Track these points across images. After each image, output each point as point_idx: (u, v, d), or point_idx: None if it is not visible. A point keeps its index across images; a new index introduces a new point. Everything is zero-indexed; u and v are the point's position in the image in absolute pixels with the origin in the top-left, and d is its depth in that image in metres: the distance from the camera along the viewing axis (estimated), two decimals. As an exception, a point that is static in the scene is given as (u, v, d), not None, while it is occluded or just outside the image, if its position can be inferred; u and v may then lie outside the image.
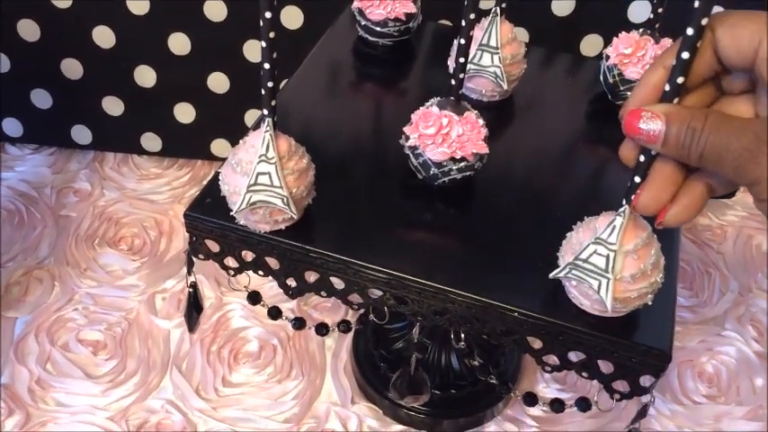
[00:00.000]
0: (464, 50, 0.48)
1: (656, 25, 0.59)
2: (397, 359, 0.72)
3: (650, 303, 0.45)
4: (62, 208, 0.90)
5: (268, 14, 0.42)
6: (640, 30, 0.60)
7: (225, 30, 0.85)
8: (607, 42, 0.85)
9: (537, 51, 0.68)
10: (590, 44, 0.86)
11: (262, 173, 0.47)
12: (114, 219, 0.89)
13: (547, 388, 0.76)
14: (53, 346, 0.76)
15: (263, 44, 0.43)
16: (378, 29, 0.65)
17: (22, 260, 0.83)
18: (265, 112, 0.46)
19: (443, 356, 0.70)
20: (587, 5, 0.83)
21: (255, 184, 0.47)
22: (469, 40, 0.48)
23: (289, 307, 0.80)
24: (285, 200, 0.47)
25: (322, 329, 0.62)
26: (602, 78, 0.63)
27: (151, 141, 0.96)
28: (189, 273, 0.56)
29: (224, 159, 0.95)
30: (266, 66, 0.44)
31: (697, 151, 0.36)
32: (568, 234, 0.47)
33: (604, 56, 0.62)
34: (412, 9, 0.64)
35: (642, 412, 0.50)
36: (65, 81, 0.90)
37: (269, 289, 0.70)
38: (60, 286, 0.81)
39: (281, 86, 0.63)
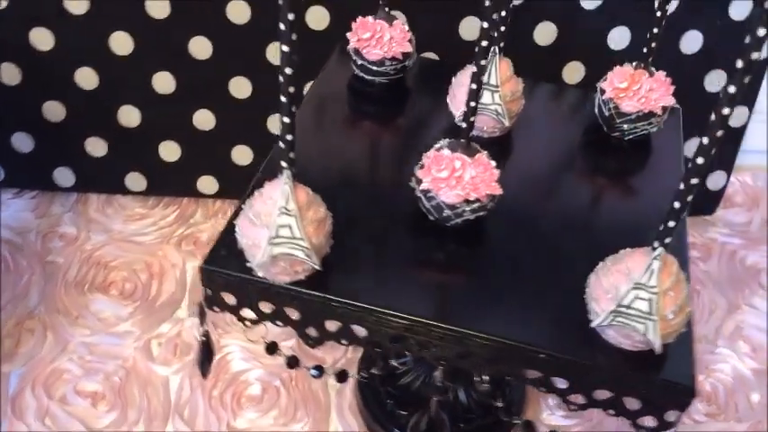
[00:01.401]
0: (475, 95, 0.49)
1: (650, 59, 0.61)
2: (404, 395, 0.71)
3: (684, 330, 0.46)
4: (48, 253, 0.88)
5: (288, 70, 0.42)
6: (634, 63, 0.62)
7: (210, 67, 0.85)
8: (589, 69, 0.88)
9: (530, 84, 0.69)
10: (572, 71, 0.88)
11: (282, 225, 0.46)
12: (103, 263, 0.87)
13: (552, 415, 0.77)
14: (51, 399, 0.74)
15: (284, 99, 0.43)
16: (375, 68, 0.65)
17: (11, 310, 0.81)
18: (284, 164, 0.46)
19: (451, 389, 0.70)
20: (568, 34, 0.85)
21: (277, 236, 0.46)
22: (480, 84, 0.48)
23: (288, 344, 0.79)
24: (307, 251, 0.47)
25: (317, 372, 0.61)
26: (597, 111, 0.64)
27: (135, 181, 0.94)
28: (202, 323, 0.55)
29: (210, 196, 0.96)
30: (286, 119, 0.44)
31: None
32: (591, 276, 0.48)
33: (599, 89, 0.63)
34: (408, 48, 0.65)
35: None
36: (47, 124, 0.88)
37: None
38: (53, 336, 0.79)
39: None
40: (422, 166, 0.53)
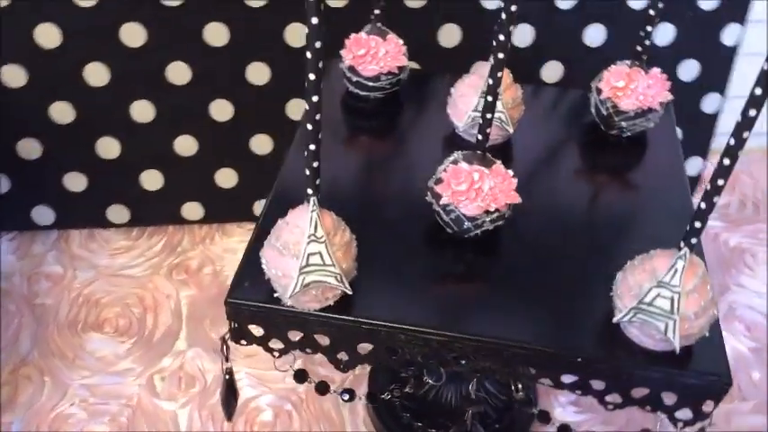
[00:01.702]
0: (491, 106, 0.49)
1: (644, 57, 0.62)
2: (420, 407, 0.71)
3: (707, 335, 0.46)
4: (36, 296, 0.85)
5: (315, 98, 0.41)
6: (628, 62, 0.63)
7: (189, 91, 0.83)
8: (567, 68, 0.89)
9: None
10: (551, 71, 0.89)
11: (312, 253, 0.46)
12: (93, 300, 0.85)
13: (564, 411, 0.77)
14: (59, 447, 0.72)
15: (309, 126, 0.42)
16: (371, 83, 0.65)
17: (5, 358, 0.79)
18: (310, 191, 0.45)
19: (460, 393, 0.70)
20: (545, 34, 0.86)
21: (308, 265, 0.46)
22: (496, 96, 0.49)
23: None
24: (339, 277, 0.46)
25: (348, 396, 0.61)
26: (593, 111, 0.65)
27: (118, 213, 0.92)
28: (227, 359, 0.54)
29: (196, 222, 0.94)
30: (311, 147, 0.43)
31: None
32: (619, 274, 0.48)
33: (595, 89, 0.64)
34: (404, 62, 0.65)
35: (701, 438, 0.52)
36: (22, 162, 0.86)
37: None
38: (51, 381, 0.77)
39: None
40: (439, 181, 0.53)
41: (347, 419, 0.75)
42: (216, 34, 0.80)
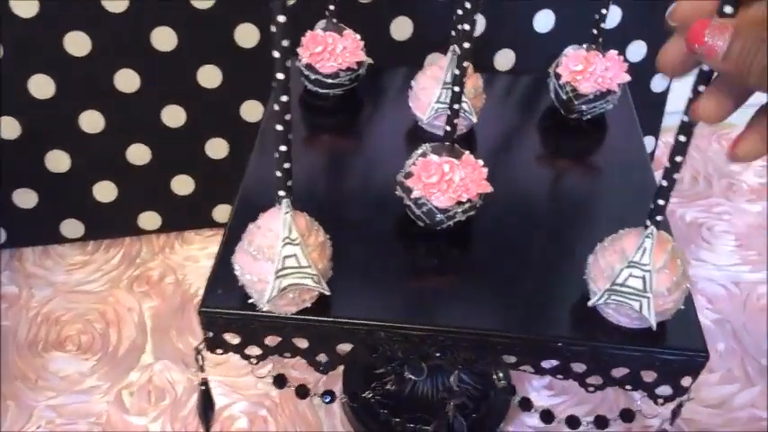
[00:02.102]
0: (458, 97, 0.49)
1: (600, 39, 0.62)
2: (397, 402, 0.71)
3: (683, 308, 0.47)
4: (-8, 319, 0.82)
5: (284, 98, 0.40)
6: (585, 45, 0.63)
7: (139, 100, 0.81)
8: (518, 55, 0.89)
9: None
10: (503, 59, 0.89)
11: (288, 256, 0.45)
12: (53, 318, 0.82)
13: (539, 396, 0.78)
14: (28, 473, 0.69)
15: (279, 127, 0.42)
16: (329, 81, 0.64)
17: (-36, 386, 0.76)
18: (282, 193, 0.44)
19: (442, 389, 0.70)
20: (496, 22, 0.86)
21: (283, 268, 0.45)
22: (462, 86, 0.48)
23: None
24: (316, 278, 0.46)
25: (329, 398, 0.60)
26: (553, 96, 0.65)
27: (72, 227, 0.89)
28: (202, 370, 0.52)
29: (154, 232, 0.92)
30: (282, 148, 0.42)
31: (761, 64, 0.33)
32: (590, 257, 0.49)
33: (553, 74, 0.65)
34: (362, 57, 0.64)
35: (677, 411, 0.52)
36: (-32, 182, 0.83)
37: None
38: (15, 405, 0.74)
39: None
40: (409, 174, 0.52)
41: (324, 420, 0.75)
42: (163, 39, 0.78)
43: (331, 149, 0.64)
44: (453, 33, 0.59)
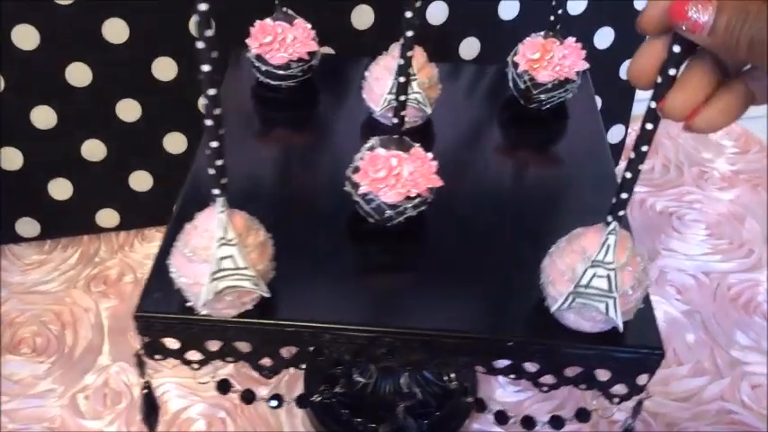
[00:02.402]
0: (404, 88, 0.47)
1: (557, 26, 0.60)
2: (358, 402, 0.69)
3: (642, 306, 0.46)
4: (-57, 322, 0.80)
5: (212, 91, 0.38)
6: (543, 33, 0.61)
7: (92, 93, 0.79)
8: (483, 44, 0.87)
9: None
10: (468, 48, 0.87)
11: (224, 257, 0.43)
12: (8, 320, 0.80)
13: (504, 392, 0.76)
14: (-23, 482, 0.67)
15: (209, 122, 0.39)
16: (281, 72, 0.62)
17: None
18: (217, 191, 0.42)
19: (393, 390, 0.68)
20: (459, 11, 0.84)
21: (219, 270, 0.43)
22: (408, 77, 0.46)
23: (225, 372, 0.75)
24: (254, 280, 0.44)
25: (277, 402, 0.58)
26: (512, 85, 0.63)
27: (27, 226, 0.87)
28: (142, 375, 0.50)
29: (113, 230, 0.89)
30: (213, 144, 0.40)
31: (747, 37, 0.32)
32: (546, 260, 0.46)
33: (511, 63, 0.63)
34: (314, 47, 0.62)
35: (637, 410, 0.51)
36: None
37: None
38: (-35, 411, 0.72)
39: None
40: (356, 169, 0.50)
41: (284, 421, 0.73)
42: (116, 31, 0.75)
43: (283, 143, 0.62)
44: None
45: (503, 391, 0.76)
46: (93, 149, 0.83)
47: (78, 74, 0.77)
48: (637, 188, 0.99)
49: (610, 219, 0.42)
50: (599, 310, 0.43)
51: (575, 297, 0.43)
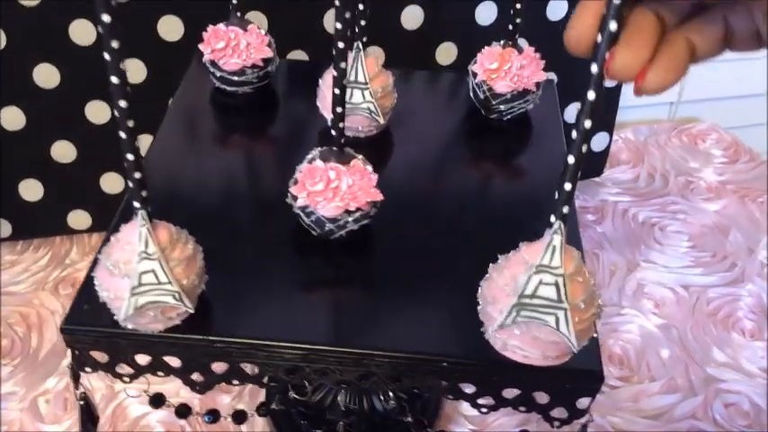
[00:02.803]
0: (341, 100, 0.46)
1: (516, 36, 0.59)
2: (317, 413, 0.68)
3: (596, 335, 0.43)
4: None
5: (123, 103, 0.37)
6: (501, 42, 0.60)
7: (61, 95, 0.78)
8: (461, 49, 0.86)
9: (400, 73, 0.66)
10: (445, 53, 0.86)
11: (145, 272, 0.42)
12: (-27, 322, 0.80)
13: (470, 408, 0.75)
14: (-72, 486, 0.66)
15: (123, 135, 0.38)
16: (235, 78, 0.61)
17: None
18: (137, 204, 0.41)
19: (365, 401, 0.67)
20: (435, 15, 0.83)
21: (140, 285, 0.42)
22: (344, 88, 0.45)
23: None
24: (177, 295, 0.43)
25: (240, 417, 0.57)
26: (472, 95, 0.62)
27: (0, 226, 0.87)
28: (76, 387, 0.50)
29: (85, 231, 0.89)
30: (129, 157, 0.39)
31: None
32: (483, 284, 0.43)
33: (471, 72, 0.61)
34: (268, 53, 0.61)
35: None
36: None
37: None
38: (-76, 413, 0.72)
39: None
40: (296, 182, 0.49)
41: None
42: (83, 34, 0.75)
43: (234, 150, 0.61)
44: (356, 29, 0.55)
45: (467, 406, 0.75)
46: (63, 150, 0.83)
47: (46, 75, 0.76)
48: (619, 198, 0.98)
49: (553, 218, 0.37)
50: (548, 324, 0.38)
51: (519, 309, 0.38)
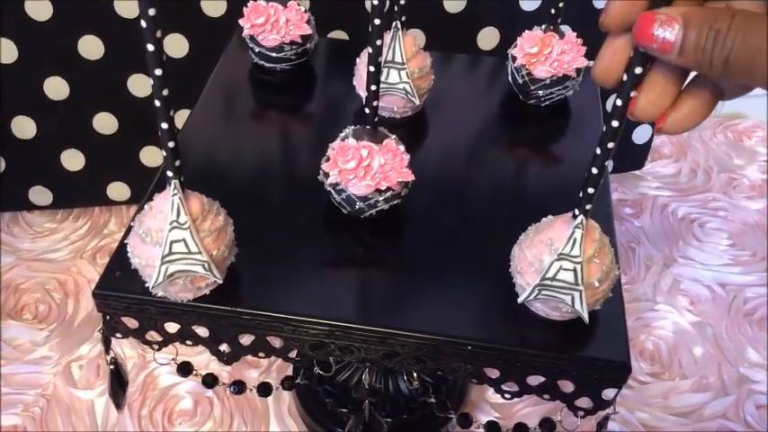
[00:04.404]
0: (375, 77, 0.45)
1: (558, 20, 0.58)
2: (343, 392, 0.68)
3: (611, 295, 0.44)
4: (-48, 283, 0.82)
5: (158, 71, 0.37)
6: (543, 26, 0.59)
7: (104, 67, 0.79)
8: (503, 35, 0.85)
9: (439, 56, 0.66)
10: (487, 37, 0.85)
11: (176, 240, 0.42)
12: (13, 286, 0.82)
13: (497, 394, 0.74)
14: (-36, 442, 0.69)
15: (158, 103, 0.39)
16: (274, 54, 0.61)
17: None
18: (170, 173, 0.42)
19: (390, 382, 0.67)
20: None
21: (170, 253, 0.42)
22: (379, 66, 0.45)
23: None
24: (206, 265, 0.43)
25: (265, 390, 0.57)
26: (510, 79, 0.61)
27: (40, 195, 0.88)
28: (107, 352, 0.51)
29: (123, 203, 0.90)
30: (164, 125, 0.40)
31: (722, 56, 0.31)
32: (515, 249, 0.46)
33: (510, 56, 0.60)
34: (307, 30, 0.61)
35: (602, 424, 0.49)
36: (-68, 144, 0.82)
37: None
38: (-38, 372, 0.74)
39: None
40: (328, 159, 0.49)
41: (271, 407, 0.73)
42: (127, 7, 0.75)
43: (272, 127, 0.61)
44: (395, 8, 0.55)
45: (492, 393, 0.74)
46: (105, 122, 0.84)
47: (90, 46, 0.78)
48: (660, 192, 0.96)
49: (576, 212, 0.41)
50: (565, 303, 0.43)
51: (541, 289, 0.43)
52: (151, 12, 0.35)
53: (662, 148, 1.02)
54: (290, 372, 0.74)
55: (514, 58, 0.59)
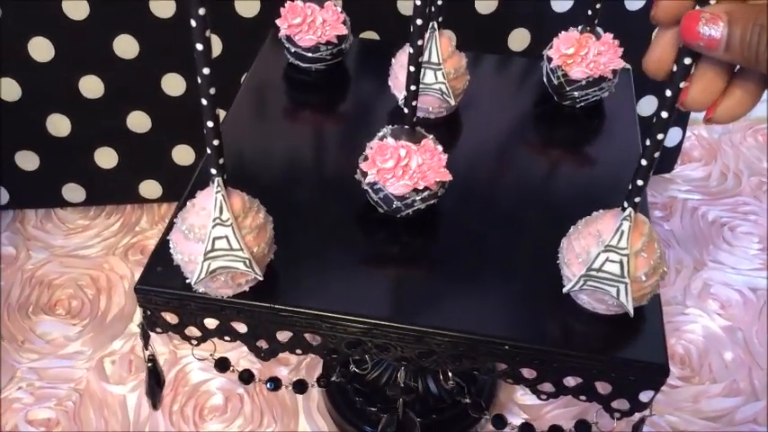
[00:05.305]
0: (415, 78, 0.46)
1: (595, 21, 0.58)
2: (373, 391, 0.69)
3: (659, 291, 0.45)
4: (-13, 278, 0.83)
5: (206, 70, 0.38)
6: (579, 27, 0.59)
7: (138, 66, 0.80)
8: (534, 35, 0.85)
9: (472, 56, 0.66)
10: (518, 39, 0.85)
11: (218, 237, 0.43)
12: (46, 282, 0.83)
13: (525, 395, 0.74)
14: (0, 433, 0.70)
15: (204, 102, 0.39)
16: (309, 54, 0.61)
17: (-49, 343, 0.77)
18: (213, 171, 0.42)
19: (420, 382, 0.67)
20: (510, 1, 0.82)
21: (213, 250, 0.43)
22: (419, 66, 0.45)
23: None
24: (248, 262, 0.44)
25: (300, 387, 0.58)
26: (545, 80, 0.61)
27: (73, 192, 0.90)
28: (146, 347, 0.51)
29: (155, 201, 0.91)
30: (209, 124, 0.40)
31: (766, 53, 0.32)
32: (564, 241, 0.46)
33: (546, 57, 0.61)
34: (343, 31, 0.61)
35: (638, 427, 0.49)
36: (-31, 141, 0.83)
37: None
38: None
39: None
40: (366, 158, 0.50)
41: (301, 405, 0.73)
42: (163, 7, 0.76)
43: (307, 126, 0.61)
44: (432, 9, 0.55)
45: (522, 393, 0.74)
46: (139, 121, 0.85)
47: (125, 46, 0.79)
48: (689, 195, 0.96)
49: (625, 205, 0.42)
50: (610, 295, 0.43)
51: (586, 280, 0.43)
52: (201, 11, 0.36)
53: (692, 152, 1.02)
54: (319, 370, 0.75)
55: (550, 59, 0.59)
